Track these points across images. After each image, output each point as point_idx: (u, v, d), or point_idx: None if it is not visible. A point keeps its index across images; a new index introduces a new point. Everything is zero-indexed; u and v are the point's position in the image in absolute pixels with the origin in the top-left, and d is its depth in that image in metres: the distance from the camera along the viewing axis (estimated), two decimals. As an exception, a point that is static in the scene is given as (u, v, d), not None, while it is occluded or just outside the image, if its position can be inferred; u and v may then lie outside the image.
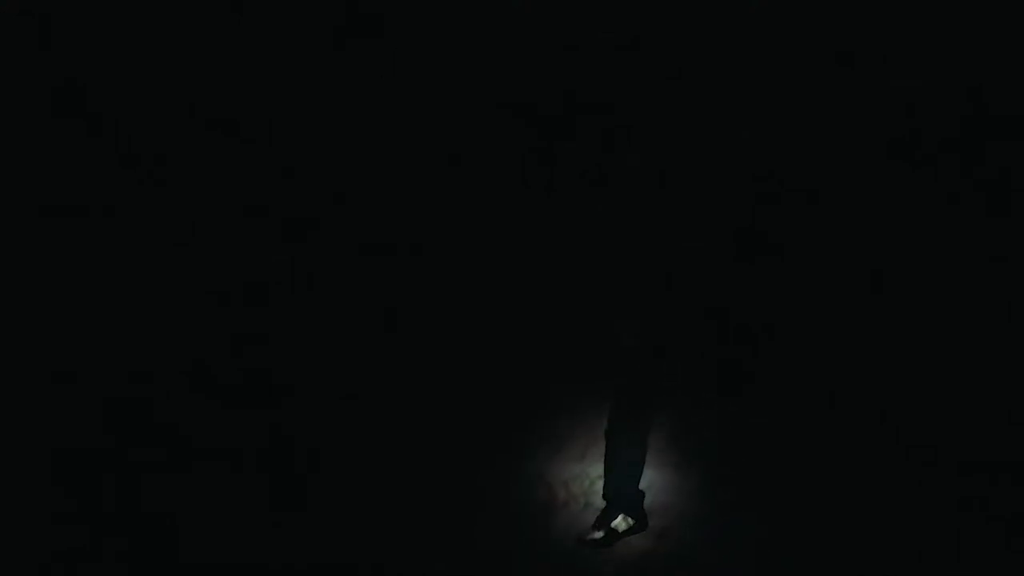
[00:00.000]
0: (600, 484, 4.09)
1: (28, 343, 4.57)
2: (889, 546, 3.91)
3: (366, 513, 4.32)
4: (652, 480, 4.21)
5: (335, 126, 5.04)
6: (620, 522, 3.91)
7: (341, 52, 5.00)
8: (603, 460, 3.96)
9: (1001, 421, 4.54)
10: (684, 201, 5.36)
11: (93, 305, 4.72)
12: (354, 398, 4.96)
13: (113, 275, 4.76)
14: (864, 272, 5.15)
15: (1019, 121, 4.93)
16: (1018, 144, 4.95)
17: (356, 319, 5.18)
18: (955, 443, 4.47)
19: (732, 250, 5.27)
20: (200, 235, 4.96)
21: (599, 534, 3.89)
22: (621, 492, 3.92)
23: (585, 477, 4.40)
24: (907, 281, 5.05)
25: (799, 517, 4.12)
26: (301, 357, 5.08)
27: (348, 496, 4.45)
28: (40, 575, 3.84)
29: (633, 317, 3.56)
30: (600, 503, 4.06)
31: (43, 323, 4.61)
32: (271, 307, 5.15)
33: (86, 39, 4.72)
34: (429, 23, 5.01)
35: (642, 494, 3.99)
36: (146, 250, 4.81)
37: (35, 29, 4.63)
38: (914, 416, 4.67)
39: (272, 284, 5.00)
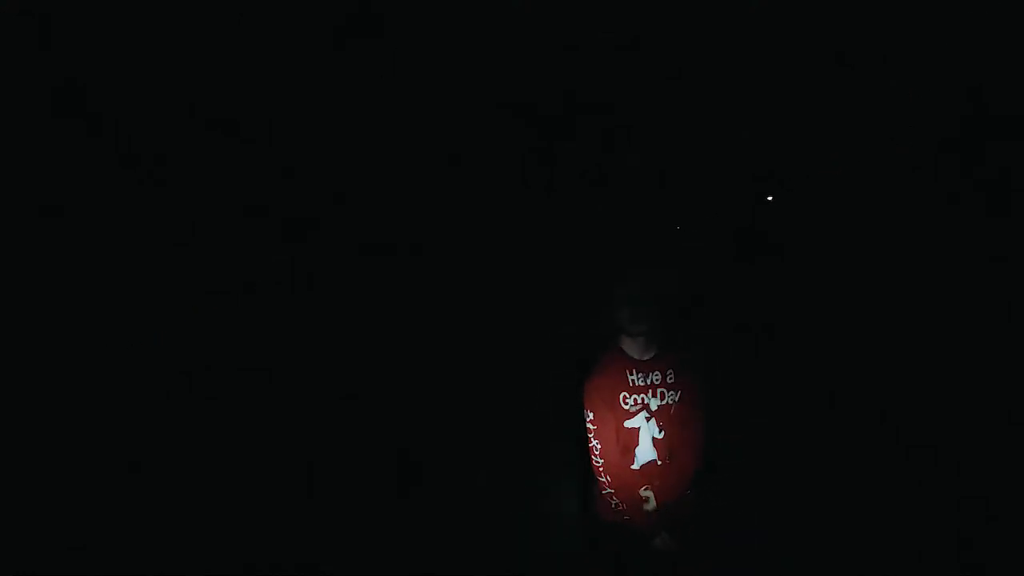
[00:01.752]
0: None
1: (27, 341, 4.57)
2: (889, 546, 3.91)
3: (366, 513, 4.32)
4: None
5: (335, 126, 5.04)
6: None
7: (341, 52, 4.99)
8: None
9: (1001, 421, 4.53)
10: (684, 201, 5.35)
11: (93, 305, 4.72)
12: (354, 398, 4.97)
13: (113, 275, 4.76)
14: (864, 272, 5.15)
15: (1019, 121, 4.92)
16: (1018, 144, 4.95)
17: (356, 319, 5.18)
18: (955, 443, 4.47)
19: (732, 250, 5.28)
20: (200, 235, 4.96)
21: None
22: None
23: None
24: (907, 281, 5.05)
25: (799, 517, 4.12)
26: (301, 357, 5.08)
27: (348, 496, 4.45)
28: (44, 570, 3.84)
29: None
30: None
31: (42, 322, 4.61)
32: (271, 307, 5.15)
33: (86, 39, 4.72)
34: (429, 23, 5.00)
35: None
36: (146, 250, 4.80)
37: (35, 29, 4.63)
38: (914, 416, 4.68)
39: (272, 284, 5.00)
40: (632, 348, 3.19)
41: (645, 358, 3.18)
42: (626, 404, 3.17)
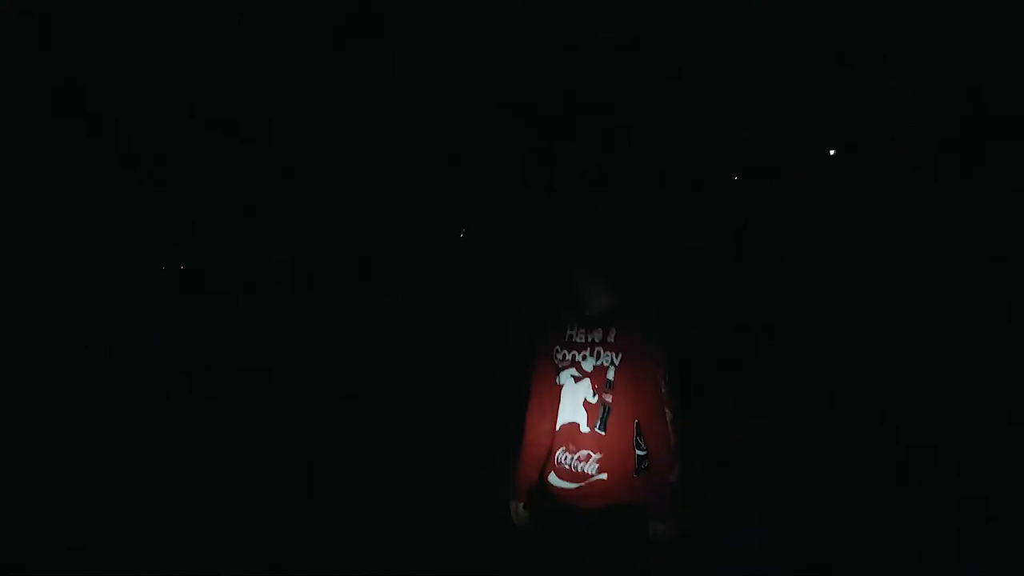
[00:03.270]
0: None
1: (27, 341, 4.57)
2: (889, 546, 3.90)
3: (365, 514, 4.32)
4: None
5: (335, 126, 5.04)
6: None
7: (341, 52, 4.99)
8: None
9: (1001, 421, 4.53)
10: (684, 201, 5.34)
11: (92, 305, 4.72)
12: (354, 398, 4.97)
13: (113, 275, 4.77)
14: (864, 272, 5.15)
15: (1019, 121, 4.92)
16: (1018, 144, 4.95)
17: (356, 319, 5.18)
18: (955, 443, 4.46)
19: (732, 250, 5.27)
20: (200, 235, 4.97)
21: None
22: None
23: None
24: (907, 280, 5.05)
25: (799, 517, 4.11)
26: (301, 357, 5.08)
27: (347, 496, 4.44)
28: (44, 570, 3.84)
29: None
30: None
31: (42, 322, 4.61)
32: (270, 308, 5.15)
33: (86, 39, 4.71)
34: (429, 23, 5.00)
35: None
36: (146, 250, 4.81)
37: (35, 29, 4.63)
38: (914, 416, 4.67)
39: (272, 284, 5.01)
40: (582, 303, 3.01)
41: (590, 313, 3.00)
42: (556, 358, 2.96)
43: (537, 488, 3.04)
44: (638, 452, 2.93)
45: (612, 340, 2.91)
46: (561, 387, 2.97)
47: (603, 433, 2.88)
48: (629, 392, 2.90)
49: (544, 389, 3.03)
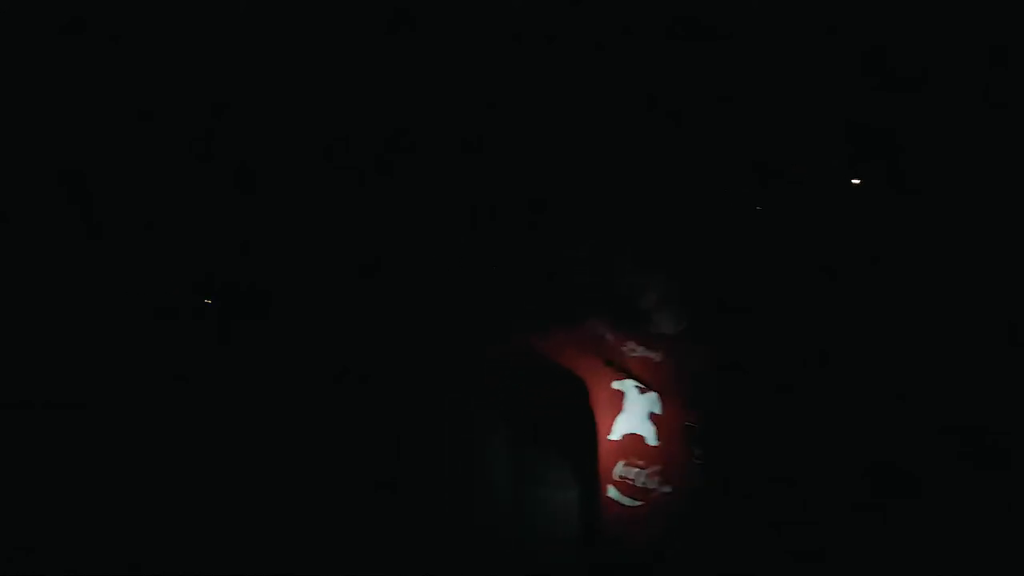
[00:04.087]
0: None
1: (25, 342, 4.58)
2: (889, 547, 3.89)
3: (362, 516, 4.32)
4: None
5: (332, 127, 5.05)
6: None
7: (339, 52, 5.00)
8: None
9: (1001, 421, 4.51)
10: (684, 201, 5.32)
11: (90, 306, 4.74)
12: (351, 399, 4.96)
13: (108, 278, 4.78)
14: (864, 270, 5.13)
15: (1019, 121, 4.90)
16: (1018, 145, 4.93)
17: (353, 323, 5.18)
18: (955, 443, 4.45)
19: (732, 249, 5.25)
20: (199, 236, 4.98)
21: None
22: None
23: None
24: (907, 280, 5.03)
25: (798, 516, 4.10)
26: (300, 359, 5.08)
27: (346, 498, 4.45)
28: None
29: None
30: None
31: (40, 327, 4.63)
32: (270, 311, 5.15)
33: (86, 39, 4.74)
34: (427, 23, 5.00)
35: None
36: (143, 252, 4.82)
37: (35, 29, 4.65)
38: (914, 416, 4.65)
39: (269, 286, 5.00)
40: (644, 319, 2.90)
41: (655, 330, 2.89)
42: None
43: (587, 507, 2.94)
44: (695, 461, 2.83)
45: (679, 355, 2.82)
46: (622, 394, 2.88)
47: (659, 444, 2.79)
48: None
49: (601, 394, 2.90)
